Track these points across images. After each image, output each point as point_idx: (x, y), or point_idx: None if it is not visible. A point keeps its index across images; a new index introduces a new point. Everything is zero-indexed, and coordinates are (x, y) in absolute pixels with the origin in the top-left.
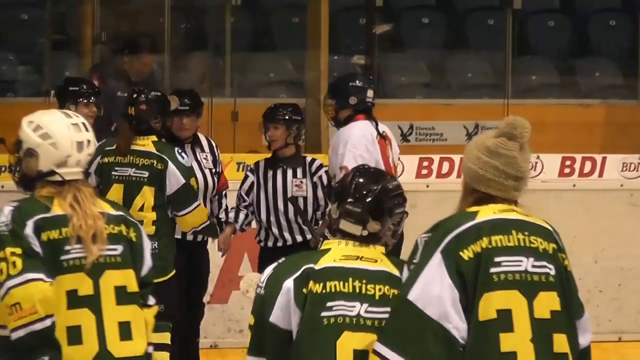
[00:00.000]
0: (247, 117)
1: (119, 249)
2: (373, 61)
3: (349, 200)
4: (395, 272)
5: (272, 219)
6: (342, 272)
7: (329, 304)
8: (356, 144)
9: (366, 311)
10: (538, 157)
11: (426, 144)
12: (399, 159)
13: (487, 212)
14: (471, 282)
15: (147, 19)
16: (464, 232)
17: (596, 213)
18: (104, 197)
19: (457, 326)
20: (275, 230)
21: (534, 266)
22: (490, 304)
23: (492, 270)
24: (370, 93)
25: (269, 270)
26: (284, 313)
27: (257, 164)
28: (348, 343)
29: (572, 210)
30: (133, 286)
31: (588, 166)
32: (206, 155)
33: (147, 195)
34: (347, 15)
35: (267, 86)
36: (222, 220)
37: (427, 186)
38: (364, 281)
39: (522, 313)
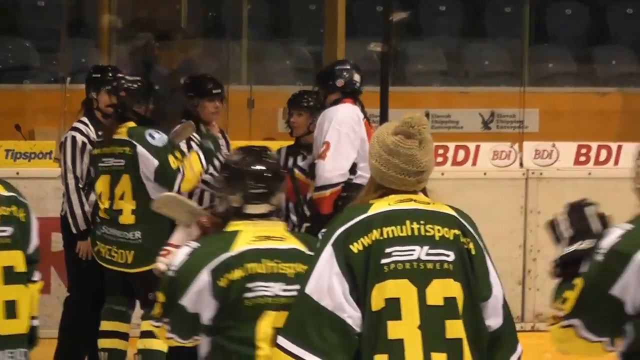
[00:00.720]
0: (263, 105)
1: (9, 230)
2: (390, 49)
3: (249, 183)
4: (304, 249)
5: (291, 205)
6: (257, 254)
7: (248, 285)
8: (341, 121)
9: (283, 290)
10: (554, 145)
11: (442, 132)
12: None
13: (381, 205)
14: (361, 274)
15: (163, 5)
16: (355, 226)
17: (612, 201)
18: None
19: (352, 315)
20: (293, 217)
21: (428, 254)
22: (380, 294)
23: (383, 261)
24: (357, 77)
25: (183, 255)
26: (196, 299)
27: (279, 150)
28: (268, 322)
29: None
30: (20, 266)
31: (604, 154)
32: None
33: (124, 184)
34: (364, 2)
35: (283, 74)
36: None
37: (442, 174)
38: (277, 261)
39: (411, 301)
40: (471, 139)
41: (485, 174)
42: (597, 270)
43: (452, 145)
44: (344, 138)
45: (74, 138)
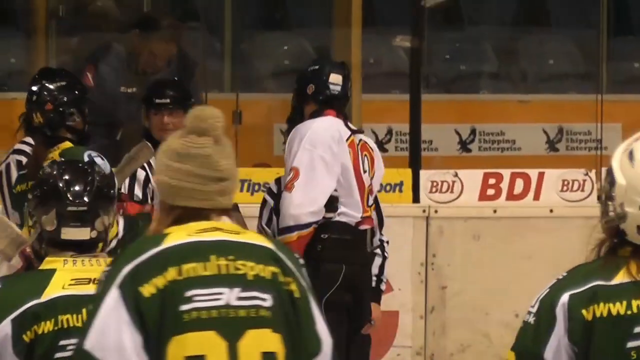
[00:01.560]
0: (253, 119)
1: None
2: (422, 44)
3: (67, 202)
4: None
5: None
6: (76, 302)
7: (62, 342)
8: (315, 141)
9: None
10: None
11: (494, 155)
12: (381, 184)
13: (179, 235)
14: (155, 323)
15: None
16: (145, 262)
17: None
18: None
19: None
20: None
21: (239, 298)
22: (180, 350)
23: (182, 307)
24: (335, 78)
25: None
26: None
27: (277, 181)
28: None
29: None
30: None
31: None
32: None
33: None
34: None
35: (279, 77)
36: None
37: (495, 211)
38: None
39: (218, 359)
40: (533, 164)
41: (551, 210)
42: (525, 333)
43: (507, 173)
44: (318, 162)
45: (19, 163)
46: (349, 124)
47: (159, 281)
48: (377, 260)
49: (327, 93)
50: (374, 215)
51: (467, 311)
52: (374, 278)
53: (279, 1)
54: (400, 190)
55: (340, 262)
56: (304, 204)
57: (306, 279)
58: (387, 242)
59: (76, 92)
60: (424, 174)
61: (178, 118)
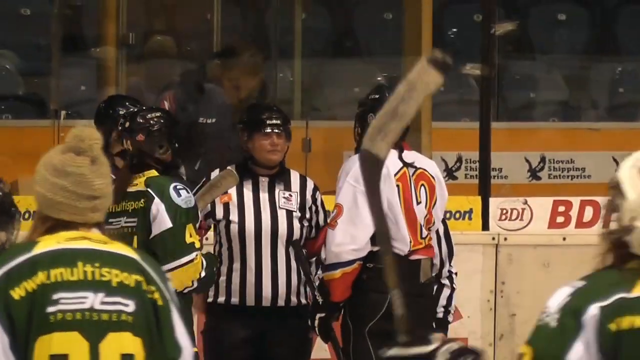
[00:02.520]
0: (323, 146)
1: None
2: (492, 72)
3: None
4: None
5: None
6: None
7: None
8: (359, 176)
9: None
10: None
11: (564, 182)
12: (450, 212)
13: (49, 242)
14: (23, 324)
15: (189, 15)
16: (17, 267)
17: None
18: None
19: None
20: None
21: (103, 303)
22: (45, 349)
23: (49, 309)
24: None
25: None
26: None
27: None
28: None
29: None
30: None
31: None
32: (289, 195)
33: (135, 246)
34: (456, 10)
35: (349, 105)
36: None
37: (564, 239)
38: None
39: (81, 358)
40: (602, 192)
41: None
42: (546, 334)
43: (576, 201)
44: (361, 199)
45: None
46: (405, 154)
47: (29, 285)
48: (446, 292)
49: None
50: (443, 245)
51: None
52: (441, 309)
53: (349, 29)
54: (470, 218)
55: (385, 292)
56: (345, 242)
57: (170, 290)
58: (456, 274)
59: (168, 125)
60: (494, 202)
61: (283, 140)
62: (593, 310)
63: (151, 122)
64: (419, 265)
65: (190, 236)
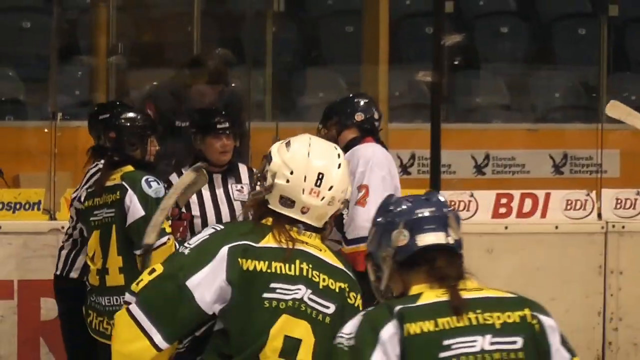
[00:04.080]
0: None
1: None
2: (442, 78)
3: None
4: None
5: None
6: None
7: None
8: (380, 163)
9: None
10: (638, 193)
11: (505, 177)
12: None
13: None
14: None
15: (172, 27)
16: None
17: None
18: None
19: None
20: None
21: None
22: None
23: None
24: (377, 114)
25: None
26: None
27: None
28: None
29: None
30: None
31: None
32: (241, 187)
33: (114, 237)
34: (410, 23)
35: (316, 108)
36: None
37: (506, 228)
38: None
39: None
40: (540, 186)
41: (556, 227)
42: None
43: (517, 194)
44: (385, 182)
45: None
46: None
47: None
48: None
49: (371, 123)
50: None
51: None
52: None
53: (315, 41)
54: None
55: None
56: None
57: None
58: None
59: (142, 126)
60: (443, 195)
61: (231, 141)
62: (223, 251)
63: (122, 120)
64: None
65: (161, 223)
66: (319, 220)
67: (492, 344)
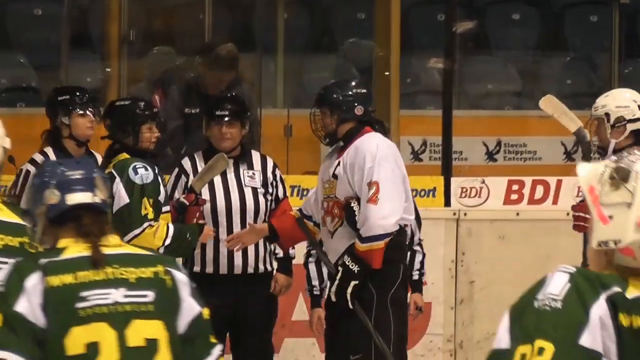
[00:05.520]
0: (303, 132)
1: None
2: (453, 65)
3: None
4: None
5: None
6: None
7: None
8: (387, 156)
9: None
10: None
11: (517, 164)
12: (412, 190)
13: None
14: None
15: (184, 14)
16: None
17: None
18: None
19: None
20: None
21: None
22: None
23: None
24: (372, 105)
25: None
26: None
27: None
28: None
29: None
30: None
31: None
32: (253, 174)
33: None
34: (422, 10)
35: None
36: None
37: (517, 214)
38: None
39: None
40: (552, 173)
41: (568, 214)
42: (558, 322)
43: (528, 180)
44: (395, 176)
45: (27, 173)
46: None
47: None
48: (418, 257)
49: (370, 115)
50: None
51: (492, 304)
52: (416, 272)
53: (326, 28)
54: (434, 196)
55: (399, 261)
56: (389, 215)
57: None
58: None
59: (140, 114)
60: (455, 181)
61: (235, 129)
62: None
63: (116, 108)
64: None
65: (145, 209)
66: None
67: (126, 296)
